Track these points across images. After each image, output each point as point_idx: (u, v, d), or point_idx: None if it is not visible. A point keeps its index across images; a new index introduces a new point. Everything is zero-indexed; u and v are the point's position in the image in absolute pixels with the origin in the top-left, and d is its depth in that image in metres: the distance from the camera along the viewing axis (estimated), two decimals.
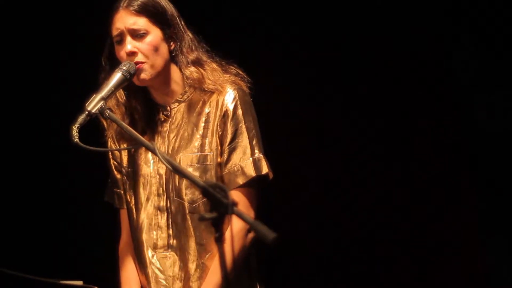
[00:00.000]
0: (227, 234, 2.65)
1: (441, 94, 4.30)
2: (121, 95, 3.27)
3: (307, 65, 4.44)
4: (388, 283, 4.41)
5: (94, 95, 3.02)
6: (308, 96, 4.46)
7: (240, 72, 3.30)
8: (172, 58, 3.23)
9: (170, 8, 3.25)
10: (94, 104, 2.99)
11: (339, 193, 4.45)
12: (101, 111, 2.98)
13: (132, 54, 3.15)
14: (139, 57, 3.15)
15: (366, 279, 4.44)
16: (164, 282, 3.23)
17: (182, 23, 3.27)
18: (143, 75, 3.16)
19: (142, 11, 3.18)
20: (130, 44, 3.16)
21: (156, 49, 3.17)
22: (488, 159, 4.23)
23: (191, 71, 3.22)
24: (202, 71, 3.22)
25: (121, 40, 3.18)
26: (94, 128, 3.16)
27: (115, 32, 3.19)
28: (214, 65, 3.27)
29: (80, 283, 3.10)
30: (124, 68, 3.11)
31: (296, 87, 4.46)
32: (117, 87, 3.09)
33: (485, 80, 4.21)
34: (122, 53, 3.17)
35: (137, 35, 3.17)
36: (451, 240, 4.30)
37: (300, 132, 4.46)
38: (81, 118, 2.96)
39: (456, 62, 4.22)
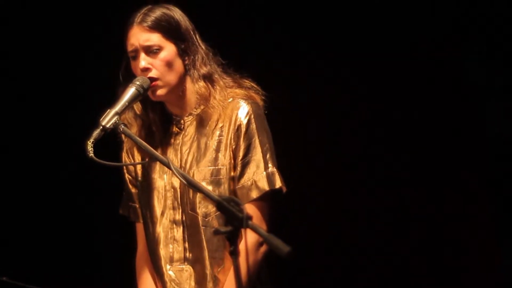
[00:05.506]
0: (241, 248, 2.67)
1: (455, 98, 4.29)
2: (138, 107, 3.29)
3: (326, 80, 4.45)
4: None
5: (109, 110, 3.05)
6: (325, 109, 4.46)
7: (255, 86, 3.31)
8: (187, 72, 3.25)
9: (184, 22, 3.26)
10: (108, 119, 3.01)
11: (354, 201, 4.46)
12: (116, 126, 3.00)
13: (146, 70, 3.18)
14: (153, 73, 3.18)
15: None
16: None
17: (197, 36, 3.29)
18: (159, 92, 3.19)
19: (156, 26, 3.19)
20: (144, 60, 3.18)
21: (170, 65, 3.20)
22: (503, 162, 4.23)
23: (200, 86, 3.23)
24: (210, 88, 3.23)
25: (135, 56, 3.21)
26: (109, 141, 3.17)
27: (129, 48, 3.22)
28: (225, 81, 3.27)
29: None
30: (138, 83, 3.14)
31: (312, 100, 4.45)
32: (131, 102, 3.11)
33: (498, 84, 4.21)
34: (137, 69, 3.20)
35: (151, 51, 3.19)
36: (467, 243, 4.30)
37: (314, 146, 4.45)
38: (96, 133, 2.98)
39: (469, 67, 4.23)
